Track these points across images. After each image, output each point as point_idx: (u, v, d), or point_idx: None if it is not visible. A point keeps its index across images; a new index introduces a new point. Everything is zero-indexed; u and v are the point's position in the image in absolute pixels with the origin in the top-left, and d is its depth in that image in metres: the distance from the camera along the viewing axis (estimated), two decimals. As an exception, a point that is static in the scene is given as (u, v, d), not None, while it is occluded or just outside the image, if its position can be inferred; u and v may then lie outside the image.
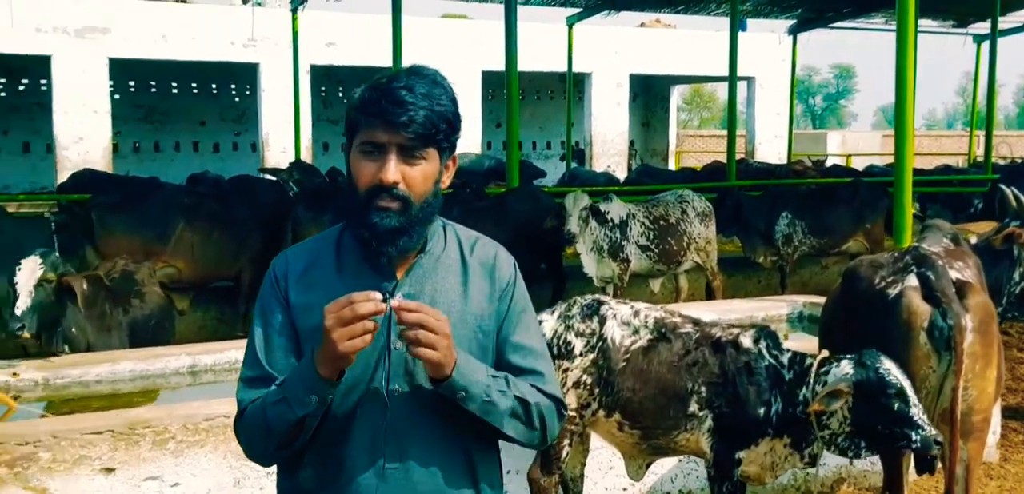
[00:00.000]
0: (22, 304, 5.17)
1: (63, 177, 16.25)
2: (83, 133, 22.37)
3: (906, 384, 3.68)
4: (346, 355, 1.96)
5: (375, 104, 2.07)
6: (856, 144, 34.81)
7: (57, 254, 5.33)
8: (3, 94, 26.43)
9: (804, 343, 5.62)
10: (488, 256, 2.28)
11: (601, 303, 4.18)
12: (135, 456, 4.21)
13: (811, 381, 3.84)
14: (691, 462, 5.21)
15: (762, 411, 3.95)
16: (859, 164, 23.47)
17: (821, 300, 7.49)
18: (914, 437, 3.59)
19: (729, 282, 11.13)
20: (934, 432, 3.62)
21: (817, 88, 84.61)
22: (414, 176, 2.09)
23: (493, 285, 2.25)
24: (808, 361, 3.95)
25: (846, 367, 3.76)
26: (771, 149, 29.11)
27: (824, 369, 3.84)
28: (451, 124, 2.13)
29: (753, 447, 3.98)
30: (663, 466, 5.20)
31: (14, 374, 5.24)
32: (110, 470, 4.15)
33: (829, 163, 21.80)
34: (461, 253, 2.26)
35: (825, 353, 3.98)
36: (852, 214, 11.45)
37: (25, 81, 26.33)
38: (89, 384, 5.41)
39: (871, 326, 4.23)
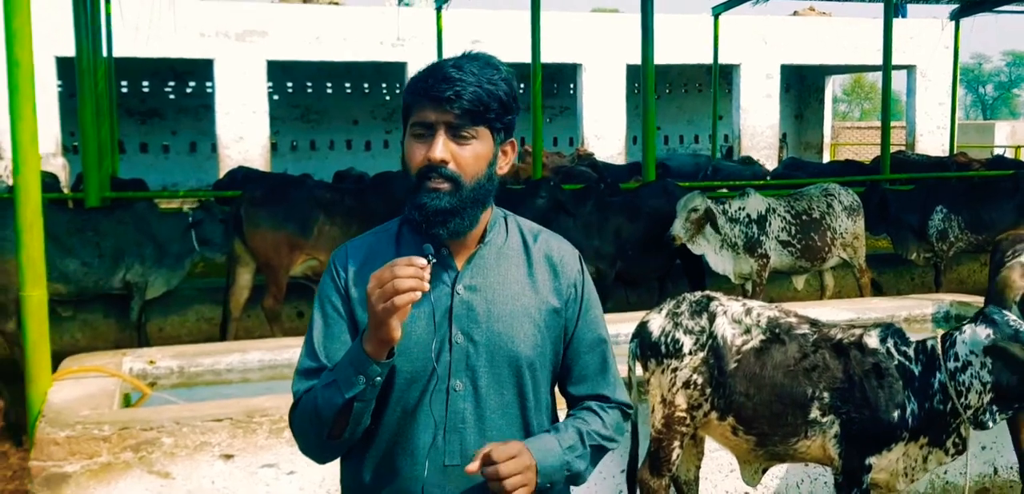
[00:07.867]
0: None
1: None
2: (243, 133, 23.42)
3: None
4: (384, 321, 1.88)
5: (422, 83, 2.04)
6: (1027, 135, 32.78)
7: None
8: (172, 96, 27.96)
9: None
10: (552, 249, 2.23)
11: (711, 299, 4.03)
12: (253, 443, 4.32)
13: (941, 362, 3.70)
14: (816, 468, 4.98)
15: (896, 414, 3.75)
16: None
17: (972, 299, 7.06)
18: None
19: (880, 280, 10.63)
20: None
21: (988, 77, 79.94)
22: (464, 156, 2.04)
23: (558, 279, 2.20)
24: (931, 344, 3.78)
25: (979, 331, 3.62)
26: (933, 141, 27.76)
27: (948, 343, 3.71)
28: (504, 104, 2.07)
29: (885, 452, 3.78)
30: (785, 470, 4.99)
31: (151, 362, 5.49)
32: (229, 456, 4.28)
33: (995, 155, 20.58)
34: (524, 244, 2.20)
35: (941, 332, 3.82)
36: (1014, 208, 10.74)
37: (192, 84, 27.79)
38: (220, 372, 5.62)
39: None
